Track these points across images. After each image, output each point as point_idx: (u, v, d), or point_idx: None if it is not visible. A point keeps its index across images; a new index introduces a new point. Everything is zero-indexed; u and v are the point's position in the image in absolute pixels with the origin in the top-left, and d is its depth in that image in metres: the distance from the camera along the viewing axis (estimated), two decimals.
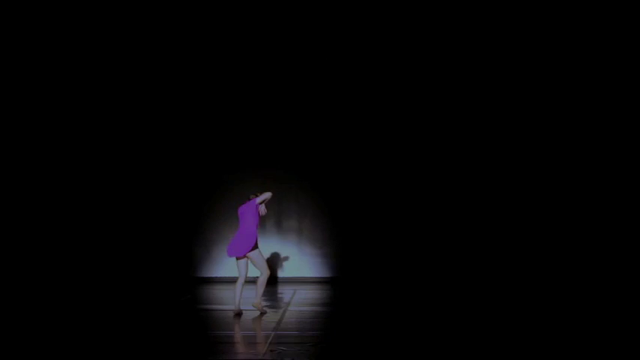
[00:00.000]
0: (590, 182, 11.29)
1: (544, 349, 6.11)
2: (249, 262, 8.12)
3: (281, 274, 12.06)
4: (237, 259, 8.08)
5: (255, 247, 8.05)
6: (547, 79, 11.56)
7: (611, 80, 11.23)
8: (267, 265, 8.14)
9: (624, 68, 11.15)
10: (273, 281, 11.87)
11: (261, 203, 8.13)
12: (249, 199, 8.19)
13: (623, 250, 10.82)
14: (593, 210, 11.17)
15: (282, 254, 12.04)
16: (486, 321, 7.72)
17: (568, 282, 10.76)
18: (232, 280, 11.81)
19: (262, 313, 8.07)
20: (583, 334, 6.85)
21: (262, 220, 8.40)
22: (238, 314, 8.07)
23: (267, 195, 8.13)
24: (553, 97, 11.55)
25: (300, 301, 9.48)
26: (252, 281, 8.45)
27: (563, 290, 10.22)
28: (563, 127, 11.50)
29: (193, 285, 11.40)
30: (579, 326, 7.33)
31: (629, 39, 11.07)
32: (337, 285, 11.54)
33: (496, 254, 11.43)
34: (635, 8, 10.93)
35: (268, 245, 11.81)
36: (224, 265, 11.68)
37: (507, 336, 6.78)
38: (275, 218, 11.95)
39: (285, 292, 10.66)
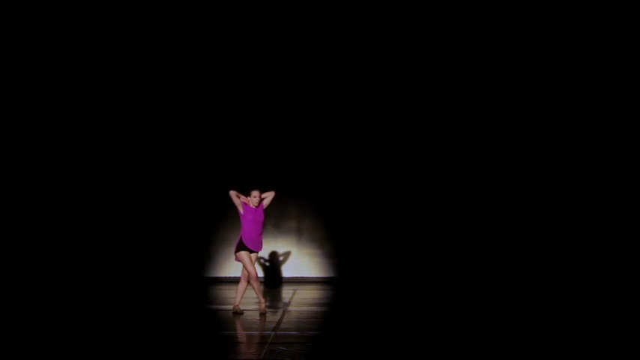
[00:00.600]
0: (590, 182, 11.29)
1: (544, 349, 6.12)
2: (250, 257, 8.14)
3: (281, 274, 12.07)
4: None
5: (241, 248, 8.04)
6: (547, 79, 11.57)
7: (611, 80, 11.24)
8: (253, 268, 8.04)
9: (624, 68, 11.16)
10: (273, 281, 11.88)
11: (241, 204, 8.11)
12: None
13: (623, 250, 10.83)
14: (593, 210, 11.18)
15: (282, 254, 12.05)
16: (486, 321, 7.73)
17: (568, 282, 10.77)
18: (236, 280, 11.87)
19: (262, 313, 8.08)
20: (583, 334, 6.86)
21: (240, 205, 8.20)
22: (236, 313, 8.09)
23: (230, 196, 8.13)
24: (553, 97, 11.56)
25: (300, 301, 9.49)
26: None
27: (563, 290, 10.23)
28: (563, 127, 11.51)
29: (197, 285, 11.40)
30: (579, 326, 7.34)
31: (629, 39, 11.08)
32: (337, 285, 11.55)
33: (496, 253, 11.43)
34: (635, 8, 10.94)
35: (268, 245, 11.81)
36: (228, 265, 11.74)
37: (507, 336, 6.79)
38: (275, 219, 11.95)
39: (285, 292, 10.67)
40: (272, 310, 8.55)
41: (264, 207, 8.17)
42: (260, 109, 12.05)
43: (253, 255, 8.17)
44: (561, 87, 11.53)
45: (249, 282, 8.19)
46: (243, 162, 11.91)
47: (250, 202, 8.06)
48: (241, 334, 7.05)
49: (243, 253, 8.03)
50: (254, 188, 8.11)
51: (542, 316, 7.95)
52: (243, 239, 8.03)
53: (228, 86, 12.03)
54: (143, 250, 11.69)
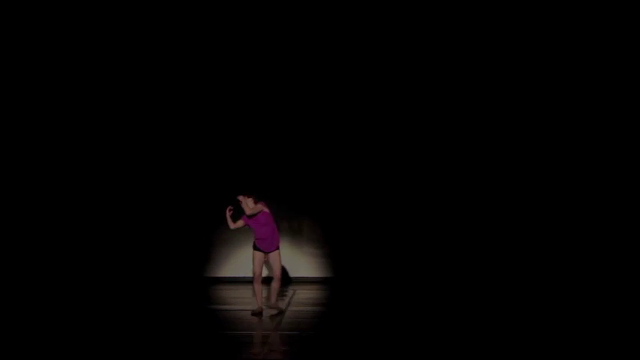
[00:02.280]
0: (590, 182, 11.29)
1: (544, 349, 6.12)
2: (262, 260, 8.21)
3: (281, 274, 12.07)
4: None
5: (254, 248, 8.13)
6: (547, 79, 11.56)
7: (611, 80, 11.23)
8: (257, 269, 8.07)
9: (624, 68, 11.16)
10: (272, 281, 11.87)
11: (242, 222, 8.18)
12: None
13: (623, 250, 10.83)
14: (593, 210, 11.18)
15: (282, 254, 12.02)
16: (486, 321, 7.73)
17: (568, 282, 10.78)
18: (234, 281, 11.91)
19: (253, 314, 8.08)
20: (583, 334, 6.86)
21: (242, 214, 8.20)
22: (256, 313, 8.10)
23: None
24: (553, 97, 11.55)
25: (300, 301, 9.49)
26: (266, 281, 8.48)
27: (563, 290, 10.23)
28: (563, 127, 11.50)
29: (198, 285, 11.40)
30: (579, 326, 7.34)
31: (629, 39, 11.08)
32: (337, 285, 11.55)
33: (495, 254, 11.42)
34: (635, 8, 10.94)
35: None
36: (229, 265, 11.77)
37: (507, 336, 6.79)
38: (275, 219, 11.92)
39: (285, 292, 10.68)
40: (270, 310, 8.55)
41: (264, 208, 8.13)
42: (259, 109, 12.04)
43: (273, 254, 8.13)
44: (561, 87, 11.51)
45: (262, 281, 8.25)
46: (243, 161, 11.91)
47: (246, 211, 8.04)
48: (241, 334, 7.05)
49: (254, 252, 8.12)
50: (238, 195, 8.11)
51: (542, 316, 7.95)
52: (255, 241, 8.11)
53: (227, 86, 12.02)
54: (144, 250, 11.68)
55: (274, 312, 8.10)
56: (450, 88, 11.85)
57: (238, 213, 8.13)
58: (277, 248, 8.14)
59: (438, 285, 11.07)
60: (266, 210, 8.07)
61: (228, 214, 8.09)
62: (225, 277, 11.83)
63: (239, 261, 11.70)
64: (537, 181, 11.53)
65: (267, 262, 8.31)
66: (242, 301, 9.35)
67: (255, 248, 8.10)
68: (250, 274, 8.24)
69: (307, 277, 11.88)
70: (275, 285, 8.13)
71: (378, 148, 11.98)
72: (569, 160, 11.45)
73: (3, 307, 8.65)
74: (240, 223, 8.11)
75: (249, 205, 7.94)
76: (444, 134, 11.87)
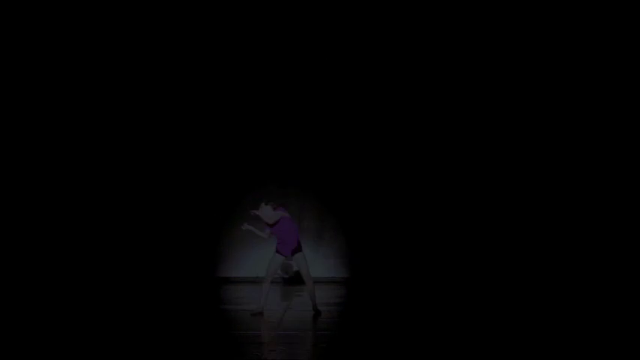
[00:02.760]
0: (590, 182, 11.30)
1: (560, 352, 6.14)
2: (279, 264, 8.29)
3: (281, 274, 12.08)
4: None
5: (276, 250, 8.23)
6: (547, 79, 11.58)
7: (611, 80, 11.25)
8: (269, 270, 8.19)
9: (624, 68, 11.16)
10: (274, 281, 11.89)
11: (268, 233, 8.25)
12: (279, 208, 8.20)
13: (623, 250, 10.83)
14: (593, 210, 11.18)
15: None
16: (492, 321, 7.74)
17: (571, 282, 10.78)
18: (235, 281, 11.95)
19: (252, 314, 8.10)
20: (583, 334, 6.87)
21: (264, 223, 8.26)
22: (256, 313, 8.13)
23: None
24: (553, 97, 11.56)
25: (301, 301, 9.50)
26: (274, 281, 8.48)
27: (569, 291, 10.24)
28: (563, 127, 11.51)
29: (208, 285, 11.43)
30: (579, 326, 7.35)
31: (629, 39, 11.08)
32: (338, 285, 11.56)
33: (504, 252, 11.42)
34: (635, 8, 10.95)
35: (269, 246, 11.83)
36: (239, 265, 11.79)
37: (516, 336, 6.79)
38: (295, 221, 11.97)
39: (285, 292, 10.69)
40: (272, 310, 8.58)
41: (284, 213, 8.15)
42: (268, 109, 12.10)
43: (297, 257, 8.12)
44: (561, 87, 11.53)
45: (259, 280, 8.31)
46: (251, 161, 12.01)
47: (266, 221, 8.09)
48: (242, 334, 7.07)
49: (274, 254, 8.22)
50: (251, 211, 8.15)
51: (559, 320, 7.96)
52: (277, 245, 8.23)
53: (236, 86, 12.10)
54: (155, 250, 11.75)
55: (313, 313, 8.18)
56: (453, 89, 11.89)
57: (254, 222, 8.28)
58: (299, 251, 8.16)
59: (444, 285, 11.06)
60: (286, 215, 8.10)
61: (251, 228, 8.14)
62: (236, 277, 11.89)
63: (249, 262, 11.77)
64: (547, 185, 11.53)
65: (287, 263, 8.37)
66: (247, 301, 9.36)
67: (277, 251, 8.17)
68: (261, 274, 8.29)
69: (317, 278, 11.91)
70: (309, 287, 8.22)
71: (385, 145, 12.03)
72: (568, 160, 11.47)
73: (15, 309, 8.69)
74: (268, 231, 8.22)
75: (267, 214, 7.97)
76: (454, 136, 11.91)
